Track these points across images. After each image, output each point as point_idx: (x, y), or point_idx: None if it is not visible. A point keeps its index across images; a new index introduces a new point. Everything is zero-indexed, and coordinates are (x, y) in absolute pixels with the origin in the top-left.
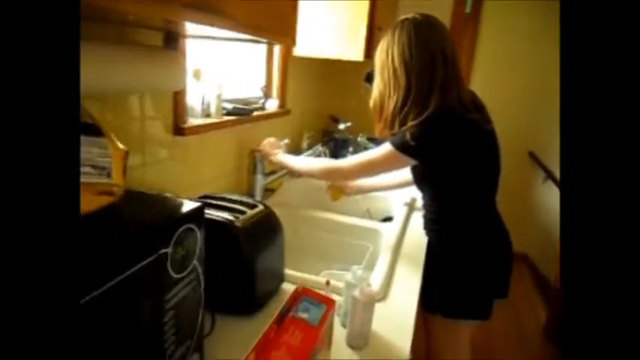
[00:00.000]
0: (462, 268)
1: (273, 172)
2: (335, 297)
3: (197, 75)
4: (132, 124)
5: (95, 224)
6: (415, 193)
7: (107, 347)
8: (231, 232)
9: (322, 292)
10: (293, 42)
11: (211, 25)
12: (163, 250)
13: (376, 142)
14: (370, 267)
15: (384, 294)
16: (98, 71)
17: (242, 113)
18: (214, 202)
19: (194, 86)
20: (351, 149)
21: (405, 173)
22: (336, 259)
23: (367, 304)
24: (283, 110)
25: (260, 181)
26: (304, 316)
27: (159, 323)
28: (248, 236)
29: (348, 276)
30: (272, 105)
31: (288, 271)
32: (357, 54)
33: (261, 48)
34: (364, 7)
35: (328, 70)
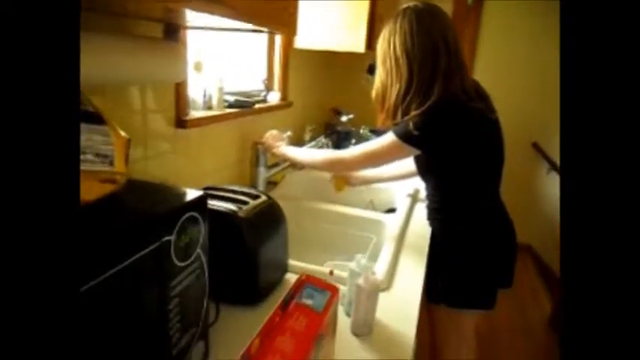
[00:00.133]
0: (466, 257)
1: (275, 165)
2: (339, 287)
3: (198, 67)
4: (134, 117)
5: (98, 211)
6: (418, 185)
7: (112, 333)
8: (234, 222)
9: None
10: (293, 32)
11: (211, 12)
12: (167, 238)
13: (379, 134)
14: (374, 258)
15: (387, 284)
16: (98, 62)
17: (244, 106)
18: (217, 193)
19: (195, 79)
20: (353, 141)
21: (410, 164)
22: (339, 251)
23: (371, 292)
24: (285, 103)
25: (263, 174)
26: (309, 302)
27: (164, 310)
28: (251, 226)
29: (352, 264)
30: (274, 97)
31: (291, 262)
32: (358, 45)
33: (263, 40)
34: None
35: (330, 62)
